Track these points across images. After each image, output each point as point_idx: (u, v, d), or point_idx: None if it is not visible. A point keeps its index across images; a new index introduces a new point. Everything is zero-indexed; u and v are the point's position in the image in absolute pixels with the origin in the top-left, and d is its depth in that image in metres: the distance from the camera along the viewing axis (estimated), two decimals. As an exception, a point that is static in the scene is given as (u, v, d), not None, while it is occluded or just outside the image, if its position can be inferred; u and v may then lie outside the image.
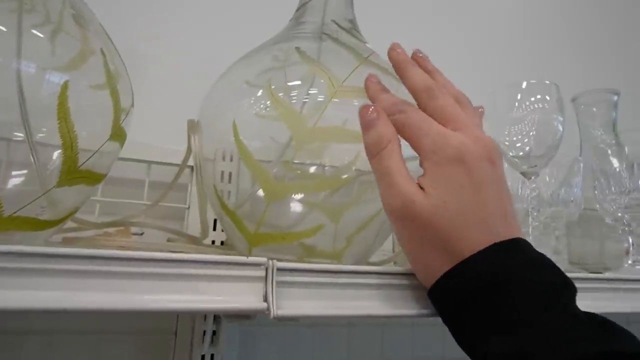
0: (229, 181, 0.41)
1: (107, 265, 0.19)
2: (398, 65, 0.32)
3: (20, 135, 0.31)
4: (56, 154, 0.31)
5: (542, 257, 0.27)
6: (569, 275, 0.26)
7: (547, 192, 0.57)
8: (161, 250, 0.39)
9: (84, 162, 0.29)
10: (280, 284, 0.22)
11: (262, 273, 0.22)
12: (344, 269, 0.24)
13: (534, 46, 0.90)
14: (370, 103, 0.31)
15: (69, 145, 0.28)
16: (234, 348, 0.51)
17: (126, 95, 0.33)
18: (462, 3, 0.87)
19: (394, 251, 0.49)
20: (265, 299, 0.22)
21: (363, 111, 0.29)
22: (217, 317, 0.43)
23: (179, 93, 0.59)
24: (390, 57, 0.33)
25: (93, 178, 0.31)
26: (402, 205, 0.27)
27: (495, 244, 0.26)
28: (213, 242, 0.50)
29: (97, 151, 0.30)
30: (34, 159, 0.31)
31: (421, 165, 0.29)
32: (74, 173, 0.29)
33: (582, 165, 0.57)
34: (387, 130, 0.28)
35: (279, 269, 0.22)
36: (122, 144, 0.34)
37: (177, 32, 0.63)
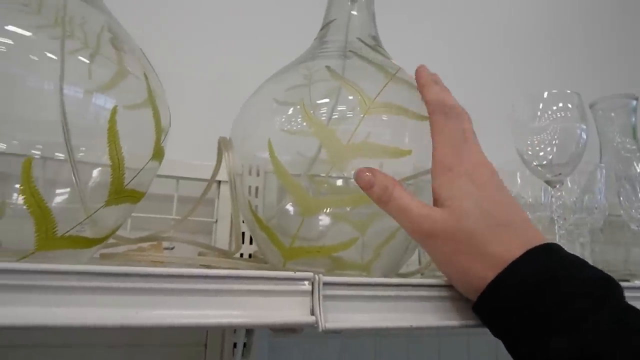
0: (256, 195, 0.42)
1: (174, 283, 0.20)
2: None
3: (61, 155, 0.32)
4: (96, 172, 0.33)
5: (578, 257, 0.28)
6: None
7: (570, 200, 0.57)
8: (194, 265, 0.40)
9: (129, 182, 0.31)
10: (327, 297, 0.23)
11: (309, 287, 0.23)
12: (386, 282, 0.25)
13: (551, 54, 0.90)
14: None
15: (117, 167, 0.29)
16: None
17: (165, 115, 0.35)
18: (479, 13, 0.88)
19: (420, 263, 0.50)
20: (313, 313, 0.23)
21: (360, 174, 0.31)
22: (249, 329, 0.44)
23: (205, 110, 0.61)
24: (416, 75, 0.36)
25: (136, 196, 0.32)
26: (426, 227, 0.29)
27: (530, 250, 0.26)
28: (242, 255, 0.51)
29: (141, 171, 0.31)
30: (75, 179, 0.32)
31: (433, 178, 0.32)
32: (121, 193, 0.30)
33: (604, 171, 0.57)
34: (386, 179, 0.31)
35: (325, 283, 0.23)
36: (160, 162, 0.35)
37: (202, 52, 0.65)
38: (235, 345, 0.48)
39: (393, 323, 0.24)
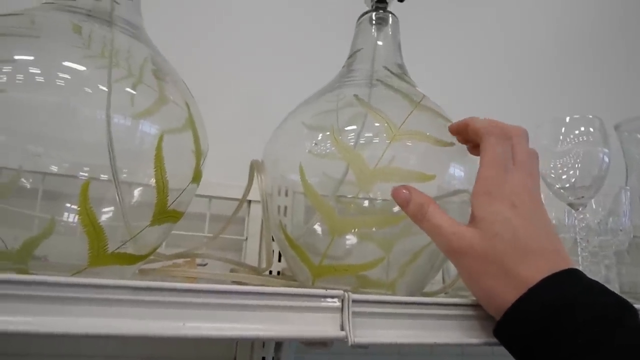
0: (285, 214, 0.44)
1: (220, 298, 0.22)
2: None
3: (105, 176, 0.35)
4: (137, 192, 0.35)
5: (597, 283, 0.28)
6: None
7: (594, 221, 0.57)
8: (226, 281, 0.42)
9: (171, 203, 0.33)
10: (355, 314, 0.25)
11: (339, 304, 0.25)
12: (411, 300, 0.26)
13: (572, 77, 0.91)
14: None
15: (162, 190, 0.32)
16: (289, 374, 0.53)
17: (204, 139, 0.38)
18: (502, 39, 0.89)
19: (444, 282, 0.51)
20: (343, 328, 0.24)
21: (397, 192, 0.33)
22: (278, 344, 0.46)
23: (235, 134, 0.64)
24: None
25: (177, 216, 0.35)
26: (455, 244, 0.30)
27: (550, 275, 0.27)
28: (270, 272, 0.53)
29: (182, 192, 0.34)
30: (119, 198, 0.35)
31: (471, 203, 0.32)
32: (164, 213, 0.33)
33: (629, 194, 0.57)
34: (422, 197, 0.33)
35: (354, 301, 0.25)
36: (198, 184, 0.38)
37: (234, 80, 0.68)
38: (264, 358, 0.49)
39: (417, 339, 0.25)
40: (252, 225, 0.57)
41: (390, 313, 0.26)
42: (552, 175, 0.48)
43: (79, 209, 0.29)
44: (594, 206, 0.58)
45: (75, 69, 0.34)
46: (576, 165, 0.47)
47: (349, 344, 0.24)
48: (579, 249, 0.45)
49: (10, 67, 0.31)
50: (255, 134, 0.53)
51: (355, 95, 0.39)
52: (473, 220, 0.31)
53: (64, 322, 0.22)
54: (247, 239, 0.57)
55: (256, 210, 0.59)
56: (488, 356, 0.63)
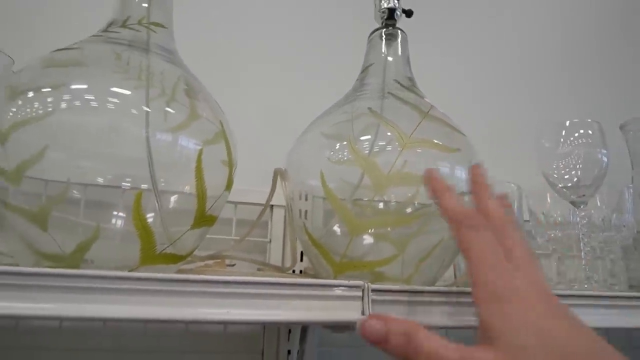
0: (305, 217, 0.48)
1: (263, 289, 0.26)
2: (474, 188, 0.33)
3: (145, 185, 0.40)
4: (173, 199, 0.40)
5: None
6: (629, 296, 0.29)
7: (598, 218, 0.60)
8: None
9: (209, 209, 0.38)
10: (374, 301, 0.29)
11: (360, 293, 0.29)
12: (421, 289, 0.30)
13: (572, 80, 0.93)
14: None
15: (201, 198, 0.36)
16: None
17: (235, 151, 0.42)
18: (506, 45, 0.92)
19: (455, 278, 0.54)
20: (363, 313, 0.28)
21: (367, 328, 0.26)
22: (303, 336, 0.50)
23: (256, 143, 0.68)
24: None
25: (212, 221, 0.39)
26: None
27: None
28: (293, 271, 0.57)
29: (218, 199, 0.38)
30: (158, 205, 0.40)
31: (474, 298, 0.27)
32: (203, 218, 0.37)
33: (632, 191, 0.60)
34: (404, 324, 0.26)
35: (373, 290, 0.29)
36: (230, 191, 0.42)
37: (255, 94, 0.73)
38: (289, 352, 0.53)
39: (430, 323, 0.29)
40: (275, 228, 0.61)
41: (405, 301, 0.29)
42: (555, 176, 0.51)
43: (132, 214, 0.34)
44: (598, 204, 0.61)
45: (122, 93, 0.38)
46: (577, 166, 0.50)
47: (370, 327, 0.28)
48: (581, 244, 0.48)
49: (68, 95, 0.36)
50: (274, 145, 0.58)
51: (370, 108, 0.43)
52: (488, 333, 0.24)
53: (127, 310, 0.26)
54: (270, 241, 0.61)
55: (278, 215, 0.63)
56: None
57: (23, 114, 0.36)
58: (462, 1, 0.92)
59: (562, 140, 0.51)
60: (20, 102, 0.35)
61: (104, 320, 0.25)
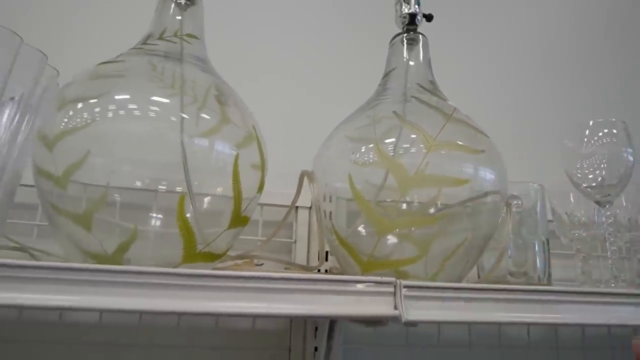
0: (330, 218, 0.50)
1: (301, 284, 0.28)
2: None
3: (179, 188, 0.42)
4: (206, 200, 0.42)
5: None
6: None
7: (624, 218, 0.60)
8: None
9: (244, 210, 0.40)
10: (406, 297, 0.30)
11: (392, 289, 0.30)
12: (453, 285, 0.32)
13: (597, 77, 0.93)
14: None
15: (238, 200, 0.38)
16: (339, 363, 0.59)
17: (266, 155, 0.44)
18: (520, 42, 0.93)
19: (479, 277, 0.55)
20: (396, 308, 0.30)
21: None
22: (330, 333, 0.51)
23: (280, 147, 0.70)
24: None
25: (246, 221, 0.41)
26: None
27: None
28: (319, 270, 0.59)
29: (251, 201, 0.40)
30: (193, 207, 0.42)
31: None
32: (238, 219, 0.39)
33: (658, 191, 0.60)
34: None
35: (405, 286, 0.30)
36: (261, 193, 0.44)
37: (279, 100, 0.75)
38: (316, 349, 0.55)
39: (458, 318, 0.30)
40: (300, 229, 0.63)
41: (435, 297, 0.31)
42: (579, 175, 0.52)
43: (177, 216, 0.36)
44: (624, 203, 0.61)
45: (161, 101, 0.41)
46: (602, 166, 0.51)
47: (402, 321, 0.29)
48: (607, 243, 0.49)
49: (113, 104, 0.38)
50: (297, 148, 0.59)
51: (394, 112, 0.45)
52: None
53: (168, 303, 0.28)
54: (295, 241, 0.63)
55: (303, 216, 0.65)
56: (525, 347, 0.67)
57: (73, 123, 0.38)
58: (484, 2, 0.92)
59: (585, 139, 0.51)
60: (71, 113, 0.38)
61: (155, 314, 0.27)
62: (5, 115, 0.39)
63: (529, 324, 0.39)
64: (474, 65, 0.87)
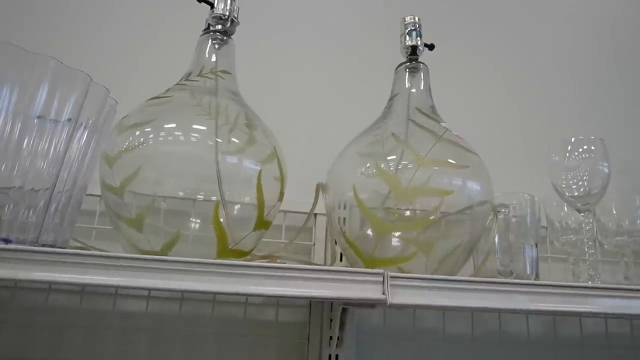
0: (344, 223, 0.58)
1: (316, 274, 0.37)
2: None
3: (214, 197, 0.51)
4: (236, 207, 0.51)
5: None
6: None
7: (611, 225, 0.66)
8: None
9: (266, 215, 0.48)
10: (392, 285, 0.38)
11: (380, 278, 0.38)
12: (434, 277, 0.39)
13: (581, 100, 0.98)
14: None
15: (261, 206, 0.47)
16: (352, 352, 0.67)
17: (286, 169, 0.53)
18: (513, 63, 0.99)
19: (474, 268, 0.62)
20: (383, 293, 0.38)
21: None
22: (342, 324, 0.59)
23: (300, 159, 0.79)
24: None
25: (268, 225, 0.50)
26: None
27: None
28: (334, 269, 0.67)
29: (272, 208, 0.49)
30: (225, 212, 0.51)
31: None
32: (262, 222, 0.48)
33: (645, 199, 0.65)
34: None
35: (391, 276, 0.38)
36: (282, 201, 0.53)
37: (297, 119, 0.84)
38: (331, 338, 0.63)
39: (436, 303, 0.38)
40: (318, 233, 0.72)
41: (417, 286, 0.39)
42: (563, 185, 0.58)
43: (212, 219, 0.45)
44: (614, 212, 0.67)
45: (200, 128, 0.50)
46: (584, 178, 0.57)
47: (387, 304, 0.37)
48: (585, 247, 0.55)
49: (163, 131, 0.48)
50: (315, 161, 0.68)
51: (393, 133, 0.53)
52: None
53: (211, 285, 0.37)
54: (314, 244, 0.71)
55: (320, 222, 0.73)
56: (527, 343, 0.73)
57: (130, 145, 0.48)
58: (479, 22, 0.99)
59: (567, 154, 0.58)
60: (130, 138, 0.48)
61: (195, 292, 0.36)
62: (76, 140, 0.49)
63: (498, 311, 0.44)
64: (473, 86, 0.94)
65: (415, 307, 0.39)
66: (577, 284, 0.44)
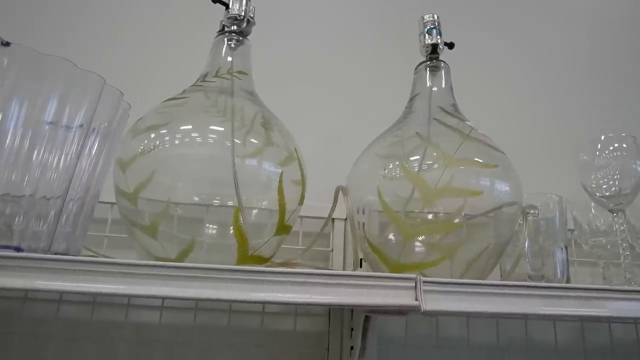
0: (363, 228, 0.56)
1: (340, 279, 0.34)
2: None
3: (230, 202, 0.49)
4: (254, 212, 0.49)
5: None
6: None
7: (642, 225, 0.63)
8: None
9: (287, 220, 0.46)
10: (425, 291, 0.36)
11: (413, 284, 0.36)
12: (465, 281, 0.37)
13: (614, 91, 0.96)
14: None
15: (283, 211, 0.45)
16: (373, 362, 0.64)
17: (306, 171, 0.51)
18: (539, 60, 0.97)
19: (501, 275, 0.59)
20: (417, 299, 0.35)
21: None
22: (365, 333, 0.56)
23: (317, 164, 0.77)
24: None
25: (289, 230, 0.48)
26: None
27: None
28: (354, 276, 0.64)
29: (294, 212, 0.47)
30: (242, 218, 0.49)
31: None
32: (283, 227, 0.46)
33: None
34: None
35: (424, 281, 0.36)
36: (302, 205, 0.51)
37: (314, 124, 0.82)
38: (352, 348, 0.61)
39: (472, 309, 0.36)
40: (336, 239, 0.69)
41: (451, 291, 0.36)
42: (593, 186, 0.56)
43: (233, 225, 0.43)
44: (643, 212, 0.64)
45: (217, 129, 0.48)
46: (615, 177, 0.55)
47: (421, 310, 0.35)
48: (620, 249, 0.52)
49: (179, 134, 0.47)
50: (333, 165, 0.66)
51: (417, 133, 0.51)
52: None
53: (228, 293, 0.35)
54: (332, 250, 0.69)
55: (338, 227, 0.71)
56: (552, 351, 0.70)
57: (144, 148, 0.46)
58: (502, 20, 0.98)
59: (597, 153, 0.55)
60: (145, 141, 0.46)
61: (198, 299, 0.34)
62: (88, 146, 0.47)
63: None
64: (497, 84, 0.92)
65: (451, 314, 0.37)
66: (628, 287, 0.42)
